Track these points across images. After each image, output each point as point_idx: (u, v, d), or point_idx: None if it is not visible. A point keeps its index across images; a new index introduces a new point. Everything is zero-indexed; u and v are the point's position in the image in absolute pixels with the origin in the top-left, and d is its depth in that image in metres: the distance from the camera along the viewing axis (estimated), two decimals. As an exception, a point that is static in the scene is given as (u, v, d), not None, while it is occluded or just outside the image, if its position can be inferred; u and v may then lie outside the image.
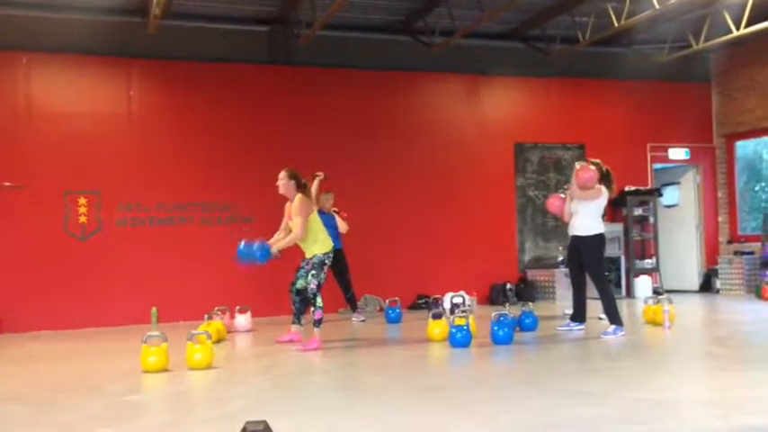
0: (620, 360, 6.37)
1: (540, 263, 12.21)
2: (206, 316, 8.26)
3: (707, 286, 12.92)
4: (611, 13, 10.86)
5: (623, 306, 9.82)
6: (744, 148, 13.88)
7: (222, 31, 10.87)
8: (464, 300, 9.21)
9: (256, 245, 7.12)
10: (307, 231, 7.23)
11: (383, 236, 11.26)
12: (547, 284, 11.82)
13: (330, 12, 9.75)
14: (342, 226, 9.65)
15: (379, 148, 11.48)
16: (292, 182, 7.36)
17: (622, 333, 7.54)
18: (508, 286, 11.70)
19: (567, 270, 8.84)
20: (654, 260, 12.56)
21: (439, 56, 11.63)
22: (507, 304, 9.86)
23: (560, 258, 11.46)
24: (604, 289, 7.81)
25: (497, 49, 12.23)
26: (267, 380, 5.80)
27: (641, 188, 12.70)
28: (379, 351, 7.35)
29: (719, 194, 13.34)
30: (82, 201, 10.15)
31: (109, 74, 10.48)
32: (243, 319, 9.12)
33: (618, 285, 11.89)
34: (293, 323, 7.69)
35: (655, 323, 8.24)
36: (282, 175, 7.40)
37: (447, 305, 9.66)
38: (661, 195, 13.12)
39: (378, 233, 11.16)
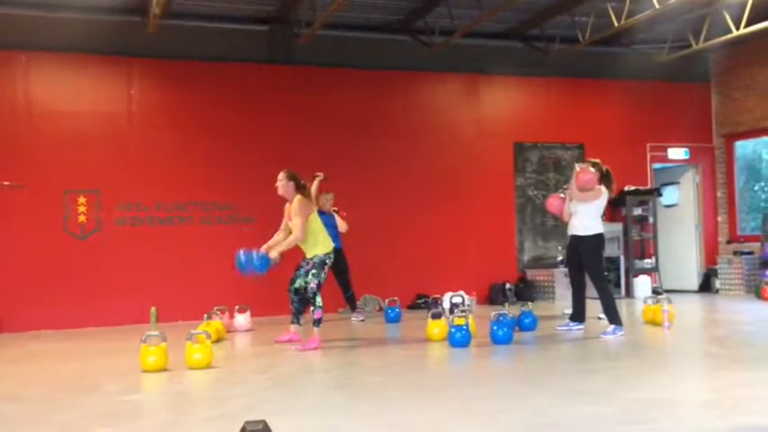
0: (619, 360, 6.37)
1: (540, 262, 12.21)
2: (205, 315, 8.27)
3: (706, 286, 12.92)
4: (611, 12, 10.86)
5: (622, 306, 9.82)
6: (743, 147, 13.88)
7: (222, 30, 10.86)
8: (463, 299, 9.21)
9: (255, 255, 7.01)
10: (307, 232, 7.23)
11: (383, 235, 11.26)
12: (546, 284, 11.82)
13: (330, 11, 9.75)
14: (341, 225, 9.66)
15: (378, 147, 11.48)
16: (291, 183, 7.35)
17: (621, 333, 7.54)
18: (507, 286, 11.70)
19: (566, 270, 8.84)
20: (653, 260, 12.56)
21: (438, 55, 11.63)
22: (506, 304, 9.85)
23: (560, 258, 11.47)
24: (604, 289, 7.82)
25: (497, 48, 12.23)
26: (266, 379, 5.80)
27: (641, 188, 12.71)
28: (378, 351, 7.35)
29: (719, 194, 13.34)
30: (81, 200, 10.15)
31: (108, 73, 10.48)
32: (242, 319, 9.12)
33: (617, 285, 11.89)
34: (292, 323, 7.69)
35: (654, 323, 8.25)
36: (281, 176, 7.39)
37: (446, 305, 9.66)
38: (660, 195, 13.12)
39: (377, 233, 11.16)
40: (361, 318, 9.87)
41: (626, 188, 12.30)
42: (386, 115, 11.65)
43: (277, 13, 10.87)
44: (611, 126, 12.77)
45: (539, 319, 8.26)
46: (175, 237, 10.46)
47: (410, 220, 11.55)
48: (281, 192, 7.38)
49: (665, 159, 13.24)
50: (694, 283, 13.11)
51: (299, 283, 7.41)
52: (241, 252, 7.02)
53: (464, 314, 7.32)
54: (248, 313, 9.16)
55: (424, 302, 10.96)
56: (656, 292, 11.28)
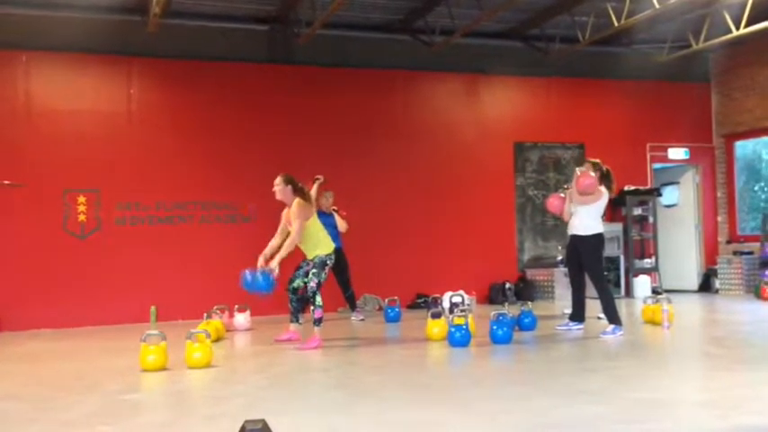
0: (618, 360, 6.37)
1: (540, 262, 12.21)
2: (205, 314, 8.27)
3: (706, 286, 12.93)
4: (611, 12, 10.86)
5: (622, 306, 9.83)
6: (743, 147, 13.88)
7: (222, 29, 10.86)
8: (463, 299, 9.20)
9: (259, 275, 6.99)
10: (307, 234, 7.22)
11: (383, 235, 11.26)
12: (546, 284, 11.82)
13: (330, 11, 9.75)
14: (341, 225, 9.66)
15: (378, 147, 11.48)
16: (289, 187, 7.34)
17: (621, 333, 7.55)
18: (507, 285, 11.70)
19: (566, 270, 8.84)
20: (653, 260, 12.56)
21: (438, 55, 11.63)
22: (506, 303, 9.85)
23: (559, 258, 11.47)
24: (603, 289, 7.82)
25: (497, 48, 12.23)
26: (266, 378, 5.80)
27: (641, 188, 12.71)
28: (378, 350, 7.35)
29: (719, 194, 13.35)
30: (81, 199, 10.15)
31: (108, 72, 10.48)
32: (242, 318, 9.12)
33: (617, 285, 11.89)
34: (291, 322, 7.69)
35: (654, 323, 8.25)
36: (278, 180, 7.37)
37: (446, 304, 9.66)
38: (660, 195, 13.12)
39: (377, 232, 11.16)
40: (361, 317, 9.87)
41: (626, 188, 12.31)
42: (386, 115, 11.65)
43: (277, 13, 10.87)
44: (611, 126, 12.77)
45: (538, 319, 8.26)
46: (175, 236, 10.46)
47: (410, 219, 11.56)
48: (278, 196, 7.36)
49: (665, 159, 13.25)
50: (694, 283, 13.11)
51: (297, 282, 7.41)
52: (247, 272, 7.04)
53: (464, 314, 7.32)
54: (248, 312, 9.16)
55: (424, 302, 10.96)
56: (655, 291, 11.28)
